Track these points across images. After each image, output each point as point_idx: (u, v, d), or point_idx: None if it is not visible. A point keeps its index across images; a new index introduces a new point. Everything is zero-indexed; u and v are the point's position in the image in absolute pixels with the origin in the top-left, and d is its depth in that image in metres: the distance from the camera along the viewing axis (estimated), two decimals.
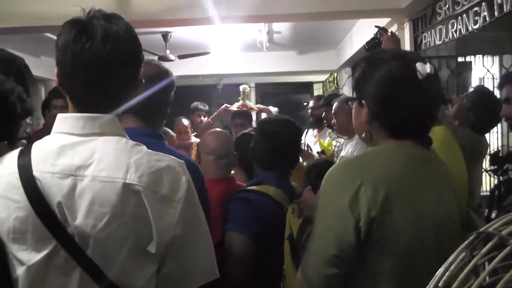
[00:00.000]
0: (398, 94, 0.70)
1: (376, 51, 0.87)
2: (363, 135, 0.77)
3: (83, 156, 0.59)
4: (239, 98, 2.71)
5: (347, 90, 4.46)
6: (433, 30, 2.23)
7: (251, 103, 2.79)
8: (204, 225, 0.63)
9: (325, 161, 1.24)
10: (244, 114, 2.53)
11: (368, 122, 0.75)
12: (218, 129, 1.41)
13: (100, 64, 0.59)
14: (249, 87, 2.82)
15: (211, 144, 1.28)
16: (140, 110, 0.86)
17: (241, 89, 2.71)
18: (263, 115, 3.12)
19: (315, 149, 2.49)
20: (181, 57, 3.90)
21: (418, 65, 0.69)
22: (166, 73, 0.95)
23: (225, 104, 2.71)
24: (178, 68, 4.82)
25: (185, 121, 3.09)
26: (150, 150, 0.62)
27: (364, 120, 0.76)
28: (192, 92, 6.64)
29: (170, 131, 2.09)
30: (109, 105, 0.61)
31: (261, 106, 2.76)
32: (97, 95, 0.61)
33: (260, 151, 1.18)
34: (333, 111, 2.05)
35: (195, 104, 3.12)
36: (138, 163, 0.59)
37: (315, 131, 2.91)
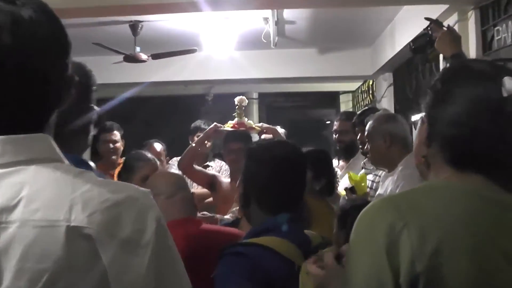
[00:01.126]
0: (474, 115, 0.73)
1: (462, 63, 0.87)
2: (417, 162, 0.80)
3: (6, 195, 0.57)
4: (234, 114, 2.69)
5: (386, 103, 4.55)
6: (510, 23, 2.13)
7: (251, 121, 2.75)
8: (185, 277, 0.62)
9: (367, 202, 1.28)
10: (240, 137, 2.50)
11: (427, 142, 0.78)
12: (165, 170, 1.69)
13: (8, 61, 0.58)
14: (249, 98, 2.87)
15: (158, 184, 1.50)
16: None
17: (236, 102, 2.69)
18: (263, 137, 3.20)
19: (343, 184, 2.50)
20: (155, 56, 3.99)
21: (507, 80, 0.72)
22: (87, 73, 0.97)
23: (215, 123, 2.68)
24: (152, 72, 5.03)
25: (158, 146, 3.14)
26: (101, 179, 0.63)
27: (423, 138, 0.79)
28: (170, 105, 6.83)
29: (150, 156, 2.13)
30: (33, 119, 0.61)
31: (265, 125, 2.72)
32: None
33: (256, 186, 1.19)
34: (366, 132, 2.08)
35: (197, 123, 3.28)
36: (86, 198, 0.59)
37: (342, 161, 2.95)
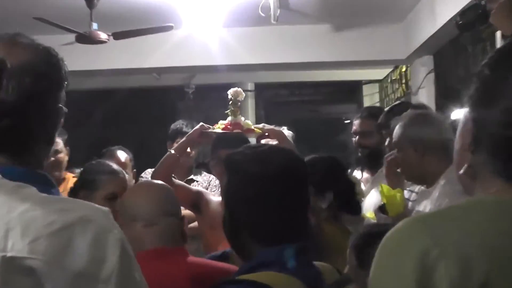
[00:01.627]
0: None
1: None
2: (461, 172, 0.81)
3: None
4: (227, 111, 2.71)
5: (424, 96, 4.58)
6: None
7: (248, 120, 2.78)
8: None
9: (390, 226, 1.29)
10: (235, 142, 2.40)
11: (471, 147, 0.78)
12: (148, 180, 1.68)
13: None
14: (245, 91, 2.91)
15: (135, 206, 1.53)
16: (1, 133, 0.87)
17: (230, 95, 2.69)
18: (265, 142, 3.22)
19: (369, 202, 2.51)
20: (118, 36, 4.00)
21: None
22: (51, 60, 0.94)
23: (201, 124, 2.71)
24: (113, 57, 5.08)
25: (122, 155, 3.15)
26: (45, 195, 0.65)
27: (466, 143, 0.79)
28: (138, 100, 6.87)
29: (116, 167, 2.13)
30: None
31: (267, 126, 2.76)
32: None
33: (244, 210, 1.20)
34: (394, 138, 2.11)
35: (177, 125, 3.31)
36: (26, 220, 0.60)
37: (366, 173, 2.97)
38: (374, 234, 1.30)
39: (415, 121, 2.08)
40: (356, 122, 2.94)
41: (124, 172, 2.14)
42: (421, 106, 2.59)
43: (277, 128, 2.93)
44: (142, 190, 1.62)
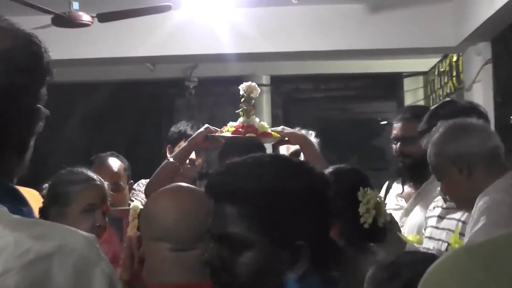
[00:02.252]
0: None
1: None
2: None
3: None
4: (238, 111, 2.77)
5: (480, 92, 4.56)
6: None
7: (264, 122, 2.82)
8: None
9: (428, 256, 1.28)
10: (248, 147, 2.47)
11: None
12: (179, 185, 1.55)
13: None
14: (259, 85, 2.95)
15: (162, 221, 1.40)
16: None
17: (242, 91, 2.75)
18: (285, 150, 3.21)
19: (412, 223, 2.53)
20: (104, 17, 4.02)
21: None
22: (31, 49, 0.93)
23: (206, 125, 2.79)
24: (99, 43, 5.10)
25: (114, 162, 3.19)
26: (18, 217, 0.65)
27: None
28: (129, 96, 6.87)
29: (90, 174, 2.14)
30: None
31: (287, 129, 2.81)
32: None
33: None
34: (430, 162, 2.13)
35: (180, 127, 3.34)
36: None
37: (408, 187, 3.00)
38: (411, 263, 1.31)
39: (450, 135, 2.10)
40: (397, 126, 2.95)
41: (102, 180, 2.15)
42: (473, 107, 2.58)
43: (299, 131, 2.97)
44: (174, 202, 1.45)
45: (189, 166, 3.04)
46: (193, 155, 3.04)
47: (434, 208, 2.48)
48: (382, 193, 3.23)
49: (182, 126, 3.32)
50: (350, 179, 2.06)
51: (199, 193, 1.43)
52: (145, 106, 6.75)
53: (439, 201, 2.45)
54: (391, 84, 6.87)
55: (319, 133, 3.23)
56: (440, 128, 2.14)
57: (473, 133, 2.09)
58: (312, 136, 3.06)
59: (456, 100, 3.08)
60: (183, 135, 3.20)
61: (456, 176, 2.04)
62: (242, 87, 2.74)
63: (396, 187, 3.07)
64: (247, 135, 2.65)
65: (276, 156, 1.44)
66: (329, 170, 2.09)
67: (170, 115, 6.71)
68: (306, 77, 6.82)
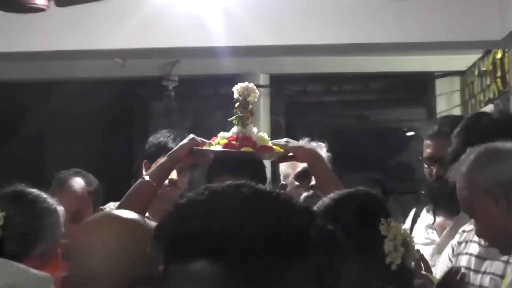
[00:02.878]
0: None
1: None
2: None
3: None
4: (232, 118, 2.79)
5: None
6: None
7: (264, 133, 2.83)
8: None
9: None
10: (243, 165, 2.66)
11: None
12: (114, 214, 1.60)
13: None
14: (257, 86, 2.97)
15: (89, 261, 1.42)
16: None
17: (236, 94, 2.77)
18: (289, 168, 3.28)
19: (446, 260, 2.53)
20: (63, 1, 4.03)
21: None
22: None
23: (191, 136, 2.83)
24: (57, 32, 5.08)
25: (78, 183, 3.17)
26: None
27: None
28: (93, 99, 6.84)
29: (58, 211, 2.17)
30: None
31: (292, 142, 2.83)
32: None
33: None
34: (459, 196, 2.17)
35: (160, 138, 3.38)
36: None
37: (442, 216, 3.04)
38: None
39: (482, 162, 2.15)
40: (432, 144, 3.01)
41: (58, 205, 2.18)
42: None
43: (307, 144, 2.97)
44: (102, 236, 1.47)
45: (168, 188, 3.05)
46: (174, 174, 3.05)
47: (467, 242, 2.49)
48: (408, 223, 3.22)
49: (163, 137, 3.34)
50: (369, 207, 2.08)
51: (138, 228, 1.46)
52: (113, 111, 6.73)
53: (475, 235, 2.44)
54: (419, 86, 6.92)
55: (331, 146, 3.23)
56: (469, 155, 2.19)
57: (508, 156, 2.15)
58: (323, 150, 3.06)
59: (498, 111, 3.09)
60: (163, 149, 3.20)
61: (492, 210, 2.09)
62: (237, 89, 2.74)
63: (426, 216, 3.08)
64: (242, 149, 2.66)
65: (259, 190, 1.37)
66: (341, 194, 2.12)
67: (144, 123, 6.72)
68: (315, 77, 6.84)
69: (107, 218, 1.57)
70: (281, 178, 3.43)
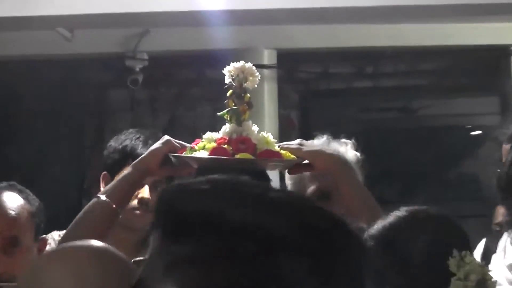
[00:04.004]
0: None
1: None
2: None
3: None
4: (222, 113, 2.80)
5: None
6: None
7: (268, 133, 2.84)
8: None
9: None
10: (240, 181, 2.60)
11: None
12: (68, 251, 1.66)
13: None
14: (258, 67, 2.99)
15: None
16: None
17: (228, 77, 2.76)
18: (305, 182, 3.23)
19: None
20: None
21: None
22: None
23: (166, 137, 2.84)
24: None
25: (12, 203, 3.18)
26: None
27: None
28: (33, 84, 6.82)
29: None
30: None
31: (306, 144, 2.85)
32: None
33: None
34: None
35: (124, 141, 3.42)
36: None
37: None
38: None
39: None
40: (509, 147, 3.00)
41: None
42: None
43: (327, 144, 3.02)
44: (54, 273, 1.56)
45: (138, 212, 3.10)
46: (146, 192, 3.10)
47: None
48: (476, 257, 3.25)
49: (129, 139, 3.35)
50: (434, 234, 2.12)
51: (114, 257, 1.54)
52: (56, 102, 6.74)
53: None
54: (490, 67, 6.92)
55: (363, 149, 3.22)
56: None
57: None
58: (350, 151, 3.07)
59: None
60: (129, 156, 3.22)
61: None
62: (229, 71, 2.76)
63: (507, 249, 3.09)
64: (237, 155, 2.67)
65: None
66: (400, 216, 2.14)
67: (100, 119, 6.71)
68: (341, 54, 6.89)
69: (65, 253, 1.62)
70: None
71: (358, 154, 3.10)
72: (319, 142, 2.95)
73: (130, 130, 3.45)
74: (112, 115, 6.48)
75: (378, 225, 2.09)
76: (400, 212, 2.12)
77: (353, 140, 3.13)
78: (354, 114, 6.94)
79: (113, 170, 3.28)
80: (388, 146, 6.55)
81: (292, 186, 3.14)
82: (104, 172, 3.34)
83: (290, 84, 6.91)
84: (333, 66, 7.14)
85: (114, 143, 3.39)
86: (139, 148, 3.25)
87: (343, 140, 3.10)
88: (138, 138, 3.33)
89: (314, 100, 7.06)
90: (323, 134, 3.15)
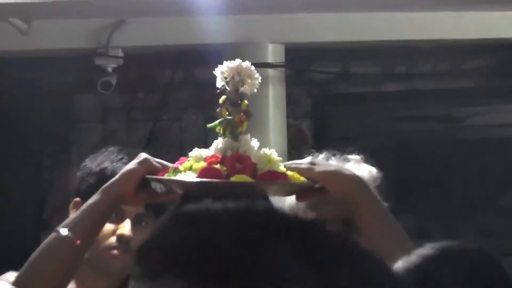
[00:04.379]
0: None
1: None
2: None
3: None
4: (213, 124, 2.79)
5: None
6: None
7: (271, 150, 2.84)
8: None
9: None
10: (234, 210, 2.61)
11: None
12: None
13: None
14: (259, 66, 3.02)
15: None
16: None
17: (220, 79, 2.78)
18: (320, 209, 3.22)
19: None
20: None
21: None
22: None
23: (143, 155, 2.85)
24: None
25: None
26: None
27: None
28: None
29: None
30: None
31: (319, 163, 2.86)
32: None
33: None
34: None
35: (103, 161, 3.46)
36: None
37: None
38: None
39: None
40: None
41: None
42: None
43: (344, 162, 3.05)
44: None
45: (115, 252, 3.13)
46: (126, 227, 3.15)
47: None
48: None
49: (108, 160, 3.37)
50: (472, 278, 2.14)
51: None
52: (9, 109, 6.77)
53: None
54: None
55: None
56: None
57: None
58: (363, 168, 3.08)
59: None
60: (106, 178, 3.22)
61: None
62: (222, 72, 2.79)
63: None
64: (232, 178, 2.68)
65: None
66: (438, 253, 2.15)
67: (63, 130, 6.73)
68: (365, 50, 6.94)
69: None
70: None
71: (374, 170, 3.10)
72: (334, 162, 2.95)
73: (111, 149, 3.46)
74: (78, 126, 6.50)
75: (405, 264, 2.12)
76: (430, 248, 2.14)
77: (361, 156, 3.13)
78: (383, 124, 6.94)
79: (87, 197, 3.14)
80: (426, 165, 6.55)
81: (304, 210, 3.13)
82: (76, 199, 3.35)
83: (301, 87, 6.92)
84: (356, 65, 7.16)
85: (90, 163, 3.41)
86: (118, 169, 3.23)
87: (351, 156, 3.10)
88: (120, 159, 3.35)
89: (332, 107, 7.06)
90: (323, 150, 3.18)
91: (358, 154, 3.15)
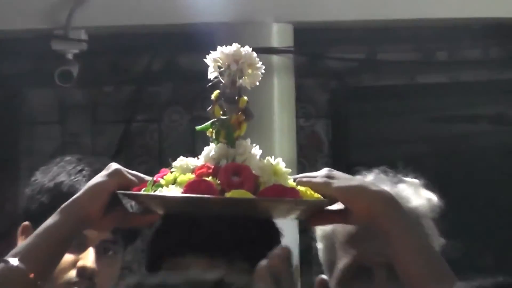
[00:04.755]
0: None
1: None
2: None
3: None
4: (205, 125, 2.83)
5: None
6: None
7: (277, 159, 2.85)
8: None
9: None
10: (234, 232, 2.74)
11: None
12: None
13: None
14: (261, 52, 3.04)
15: None
16: None
17: (212, 70, 2.80)
18: (334, 237, 3.31)
19: None
20: None
21: None
22: None
23: (114, 166, 2.84)
24: None
25: None
26: None
27: None
28: None
29: None
30: None
31: (337, 177, 2.83)
32: None
33: None
34: None
35: (57, 175, 3.49)
36: None
37: None
38: None
39: None
40: None
41: None
42: None
43: (374, 178, 3.05)
44: None
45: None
46: (89, 258, 3.20)
47: None
48: None
49: (65, 172, 3.40)
50: None
51: None
52: None
53: None
54: None
55: (436, 182, 3.22)
56: None
57: None
58: (430, 203, 3.08)
59: None
60: (62, 196, 3.22)
61: None
62: (215, 60, 2.80)
63: None
64: (227, 194, 2.69)
65: None
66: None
67: (10, 132, 6.76)
68: (393, 31, 7.01)
69: None
70: (322, 263, 3.43)
71: (434, 198, 3.10)
72: (361, 177, 2.93)
73: (68, 158, 3.48)
74: (30, 128, 6.54)
75: None
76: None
77: (420, 181, 3.13)
78: (418, 125, 6.98)
79: (39, 220, 3.15)
80: (474, 175, 6.59)
81: (325, 250, 3.14)
82: (25, 223, 3.38)
83: (315, 78, 6.97)
84: (383, 50, 7.21)
85: (41, 177, 3.43)
86: (81, 184, 3.26)
87: (408, 179, 3.10)
88: (80, 171, 3.38)
89: (353, 103, 7.09)
90: (372, 168, 3.16)
91: (415, 177, 3.13)
